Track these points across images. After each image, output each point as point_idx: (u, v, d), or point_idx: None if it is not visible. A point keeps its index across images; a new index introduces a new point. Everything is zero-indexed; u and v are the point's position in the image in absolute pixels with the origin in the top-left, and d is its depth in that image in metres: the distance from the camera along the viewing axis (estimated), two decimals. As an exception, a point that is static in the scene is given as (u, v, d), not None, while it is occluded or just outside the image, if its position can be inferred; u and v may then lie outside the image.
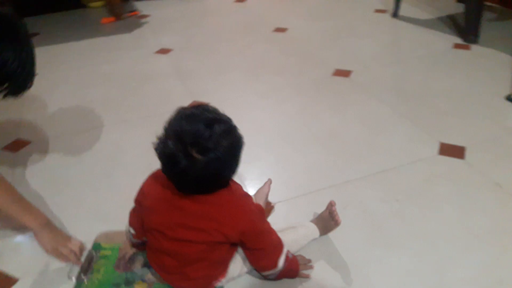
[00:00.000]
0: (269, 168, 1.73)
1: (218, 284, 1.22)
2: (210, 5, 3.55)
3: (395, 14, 3.07)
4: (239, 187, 1.16)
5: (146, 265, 1.30)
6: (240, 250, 1.22)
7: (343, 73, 2.38)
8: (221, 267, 1.20)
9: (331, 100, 2.17)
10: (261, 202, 1.42)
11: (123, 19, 3.32)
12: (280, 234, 1.22)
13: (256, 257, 1.19)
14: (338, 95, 2.20)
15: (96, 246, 1.40)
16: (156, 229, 1.13)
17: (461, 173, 1.64)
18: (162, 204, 1.11)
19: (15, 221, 1.32)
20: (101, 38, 3.02)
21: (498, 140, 1.80)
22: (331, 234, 1.40)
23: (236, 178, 1.64)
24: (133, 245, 1.34)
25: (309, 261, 1.30)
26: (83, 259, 1.35)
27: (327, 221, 1.39)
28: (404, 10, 3.08)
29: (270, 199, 1.55)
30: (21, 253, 1.40)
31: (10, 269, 1.35)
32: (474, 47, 2.60)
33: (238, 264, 1.24)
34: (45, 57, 2.73)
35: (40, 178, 1.73)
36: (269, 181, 1.52)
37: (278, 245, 1.19)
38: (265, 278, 1.25)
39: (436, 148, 1.77)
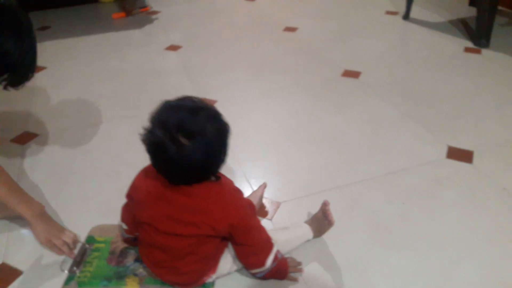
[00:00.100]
0: (274, 167, 1.73)
1: (209, 279, 1.23)
2: (220, 3, 3.55)
3: (406, 16, 3.06)
4: (229, 181, 1.17)
5: (138, 259, 1.31)
6: (231, 247, 1.22)
7: (352, 74, 2.38)
8: (212, 262, 1.21)
9: (339, 100, 2.16)
10: (255, 204, 1.42)
11: (133, 15, 3.33)
12: (272, 234, 1.23)
13: (245, 253, 1.19)
14: (346, 95, 2.20)
15: (90, 239, 1.41)
16: (147, 223, 1.14)
17: (468, 177, 1.63)
18: (152, 198, 1.12)
19: (11, 211, 1.33)
20: (111, 33, 3.03)
21: (507, 145, 1.79)
22: (336, 235, 1.40)
23: (240, 176, 1.67)
24: (125, 240, 1.35)
25: (299, 264, 1.29)
26: (76, 251, 1.35)
27: (321, 221, 1.38)
28: (415, 12, 3.06)
29: (274, 198, 1.56)
30: (26, 246, 1.40)
31: (15, 262, 1.36)
32: (485, 51, 2.58)
33: (228, 261, 1.24)
34: (56, 50, 2.75)
35: (46, 170, 1.74)
36: (264, 185, 1.53)
37: (267, 244, 1.19)
38: (254, 275, 1.25)
39: (444, 151, 1.76)
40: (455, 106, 2.06)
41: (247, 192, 1.53)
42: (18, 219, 1.42)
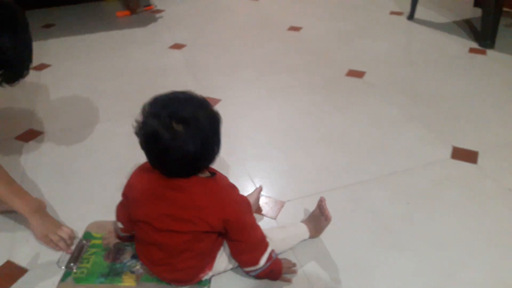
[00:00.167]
0: (278, 166, 1.73)
1: (205, 276, 1.23)
2: (224, 3, 3.55)
3: (410, 17, 3.05)
4: (224, 177, 1.18)
5: (135, 256, 1.31)
6: (226, 246, 1.22)
7: (356, 74, 2.37)
8: (208, 258, 1.21)
9: (343, 100, 2.16)
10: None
11: (138, 13, 3.33)
12: (269, 233, 1.23)
13: (239, 250, 1.19)
14: (350, 95, 2.19)
15: (87, 235, 1.41)
16: (143, 220, 1.15)
17: (473, 178, 1.62)
18: (148, 195, 1.13)
19: (7, 206, 1.33)
20: (115, 32, 3.03)
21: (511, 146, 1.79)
22: (339, 235, 1.40)
23: (243, 175, 1.67)
24: (120, 238, 1.35)
25: (294, 265, 1.28)
26: (73, 247, 1.35)
27: (318, 218, 1.38)
28: (420, 13, 3.05)
29: (278, 197, 1.55)
30: (32, 245, 1.40)
31: (20, 260, 1.36)
32: (490, 52, 2.57)
33: (224, 259, 1.24)
34: (60, 48, 2.75)
35: (50, 168, 1.74)
36: (260, 188, 1.53)
37: (262, 242, 1.19)
38: (248, 274, 1.25)
39: (448, 152, 1.76)
40: (460, 107, 2.06)
41: (248, 192, 1.53)
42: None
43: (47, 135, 1.95)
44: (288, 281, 1.25)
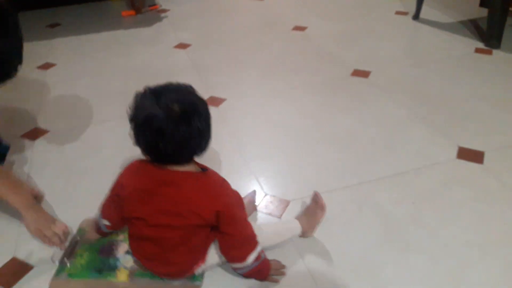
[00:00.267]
0: (283, 166, 1.73)
1: (198, 269, 1.23)
2: (229, 2, 3.56)
3: (416, 17, 3.04)
4: (216, 173, 1.19)
5: (129, 252, 1.32)
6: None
7: (362, 74, 2.37)
8: (202, 251, 1.22)
9: (348, 100, 2.15)
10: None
11: (143, 13, 3.34)
12: (261, 226, 1.26)
13: (228, 244, 1.19)
14: (355, 95, 2.19)
15: (81, 231, 1.41)
16: (137, 217, 1.16)
17: (479, 178, 1.62)
18: (141, 192, 1.14)
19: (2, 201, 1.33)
20: (121, 31, 3.04)
21: (518, 147, 1.78)
22: (345, 234, 1.39)
23: (248, 175, 1.67)
24: (100, 233, 1.36)
25: (283, 267, 1.28)
26: (67, 243, 1.36)
27: (313, 211, 1.39)
28: (425, 13, 3.04)
29: (283, 196, 1.55)
30: (37, 241, 1.40)
31: (25, 257, 1.36)
32: (496, 52, 2.56)
33: (217, 252, 1.24)
34: (65, 48, 2.76)
35: (56, 167, 1.75)
36: (253, 193, 1.55)
37: (251, 240, 1.19)
38: (235, 271, 1.25)
39: (454, 152, 1.75)
40: (465, 107, 2.05)
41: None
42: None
43: (52, 133, 1.96)
44: (276, 281, 1.25)
